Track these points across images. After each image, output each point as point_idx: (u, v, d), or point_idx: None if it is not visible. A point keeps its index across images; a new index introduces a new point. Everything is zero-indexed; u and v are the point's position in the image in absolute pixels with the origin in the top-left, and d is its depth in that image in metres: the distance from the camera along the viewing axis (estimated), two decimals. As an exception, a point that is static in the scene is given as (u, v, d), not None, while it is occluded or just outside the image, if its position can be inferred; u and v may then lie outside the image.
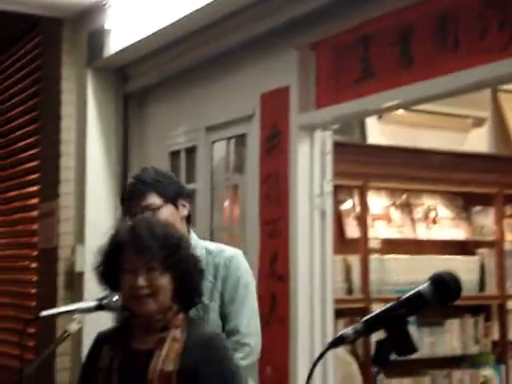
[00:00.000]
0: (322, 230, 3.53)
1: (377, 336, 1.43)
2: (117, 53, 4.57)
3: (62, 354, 4.57)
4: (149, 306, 2.03)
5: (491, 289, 4.81)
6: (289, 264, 3.50)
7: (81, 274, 4.61)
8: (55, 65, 4.94)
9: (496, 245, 4.88)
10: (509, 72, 2.60)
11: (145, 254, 2.05)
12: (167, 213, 2.72)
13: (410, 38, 2.98)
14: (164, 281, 2.04)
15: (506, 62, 2.57)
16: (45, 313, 2.26)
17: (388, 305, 1.38)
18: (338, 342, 1.36)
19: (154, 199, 2.73)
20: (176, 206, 2.75)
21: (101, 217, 4.67)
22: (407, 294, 1.39)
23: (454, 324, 4.85)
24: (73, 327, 2.23)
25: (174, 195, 2.75)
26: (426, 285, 1.38)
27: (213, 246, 2.76)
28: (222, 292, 2.68)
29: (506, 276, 4.81)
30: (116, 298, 2.29)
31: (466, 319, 4.89)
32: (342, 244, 4.81)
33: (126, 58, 4.64)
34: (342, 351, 4.34)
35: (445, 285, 1.37)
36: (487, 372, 4.70)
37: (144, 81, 4.73)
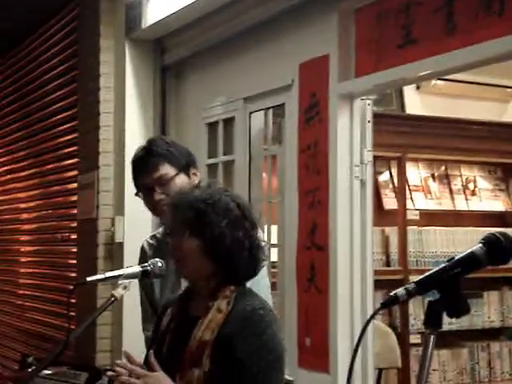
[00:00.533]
0: (361, 199, 3.51)
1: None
2: (154, 24, 4.57)
3: (104, 324, 4.64)
4: None
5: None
6: (328, 234, 3.49)
7: (120, 245, 4.66)
8: (93, 37, 4.96)
9: (536, 217, 4.83)
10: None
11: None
12: (180, 182, 2.71)
13: (454, 3, 2.93)
14: (190, 246, 2.06)
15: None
16: (91, 278, 2.27)
17: (441, 265, 1.37)
18: (390, 301, 1.35)
19: (167, 169, 2.71)
20: (188, 175, 2.75)
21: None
22: (460, 255, 1.38)
23: (492, 296, 4.83)
24: (119, 292, 2.25)
25: (186, 164, 2.74)
26: (479, 245, 1.37)
27: None
28: None
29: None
30: (160, 264, 2.31)
31: (504, 291, 4.86)
32: (380, 216, 4.80)
33: (164, 29, 4.64)
34: (380, 322, 4.34)
35: (498, 245, 1.36)
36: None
37: (181, 52, 4.72)
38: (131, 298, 2.57)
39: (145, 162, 2.71)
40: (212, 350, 2.00)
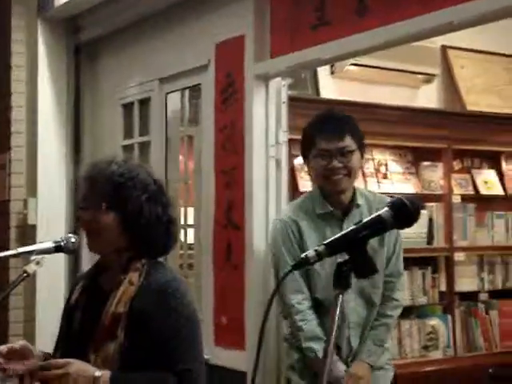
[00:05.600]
0: (277, 179, 3.56)
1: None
2: (67, 2, 4.49)
3: (17, 294, 4.55)
4: None
5: (439, 242, 4.93)
6: (244, 213, 3.53)
7: (33, 227, 4.57)
8: (5, 15, 4.83)
9: (444, 199, 4.99)
10: (462, 18, 2.65)
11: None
12: (356, 159, 2.80)
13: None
14: (107, 219, 2.05)
15: (457, 9, 2.62)
16: (2, 254, 2.24)
17: (349, 228, 1.42)
18: (301, 263, 1.39)
19: (350, 142, 2.80)
20: (362, 155, 2.84)
21: (52, 170, 4.63)
22: (368, 218, 1.43)
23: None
24: (32, 268, 2.22)
25: (363, 142, 2.77)
26: (385, 209, 1.43)
27: (367, 192, 2.90)
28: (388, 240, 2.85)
29: (453, 229, 4.93)
30: (74, 239, 2.29)
31: (414, 271, 5.00)
32: (296, 197, 4.86)
33: (77, 7, 4.56)
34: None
35: (403, 208, 1.42)
36: (434, 322, 4.83)
37: (95, 31, 4.66)
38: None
39: (336, 127, 2.72)
40: (126, 322, 2.00)
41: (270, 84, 3.52)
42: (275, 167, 3.53)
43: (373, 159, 5.23)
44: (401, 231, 2.98)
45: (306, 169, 4.99)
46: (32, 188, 4.64)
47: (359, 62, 4.93)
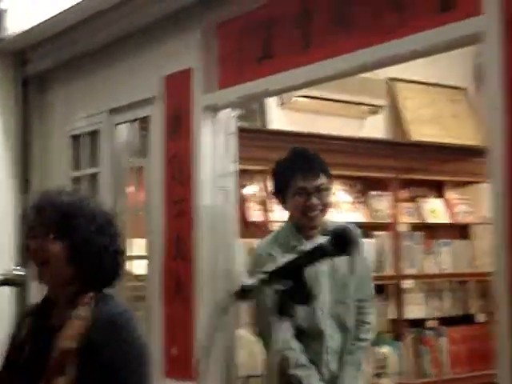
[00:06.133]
0: (225, 210, 3.58)
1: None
2: (15, 36, 4.48)
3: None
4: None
5: (388, 270, 5.00)
6: (192, 245, 3.54)
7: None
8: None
9: (392, 227, 5.07)
10: (405, 51, 2.74)
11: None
12: (329, 195, 2.96)
13: (309, 21, 3.07)
14: (54, 249, 2.04)
15: (398, 42, 2.70)
16: None
17: (290, 256, 1.45)
18: (241, 292, 1.42)
19: (324, 179, 2.95)
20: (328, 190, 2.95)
21: (0, 203, 4.59)
22: (309, 246, 1.47)
23: (353, 304, 5.01)
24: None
25: (331, 178, 2.93)
26: (326, 237, 1.47)
27: (333, 224, 2.89)
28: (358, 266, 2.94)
29: (401, 257, 5.01)
30: (21, 272, 2.27)
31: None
32: (246, 228, 4.90)
33: (25, 41, 4.56)
34: (245, 332, 4.43)
35: (342, 237, 1.46)
36: (385, 349, 4.89)
37: (44, 64, 4.66)
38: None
39: (311, 167, 2.76)
40: (77, 357, 1.98)
41: (219, 115, 3.56)
42: (223, 197, 3.56)
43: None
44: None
45: (255, 199, 5.09)
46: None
47: (307, 94, 5.02)
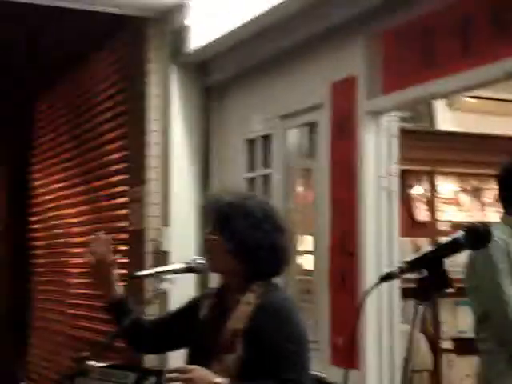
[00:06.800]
0: (388, 209, 3.76)
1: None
2: (198, 49, 4.90)
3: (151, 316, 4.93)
4: None
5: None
6: (357, 241, 3.75)
7: (166, 253, 4.99)
8: (141, 61, 5.31)
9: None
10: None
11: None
12: None
13: (469, 28, 3.19)
14: (218, 243, 2.35)
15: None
16: (140, 273, 2.56)
17: (428, 249, 1.64)
18: (386, 277, 1.63)
19: None
20: None
21: (184, 201, 5.05)
22: (445, 240, 1.65)
23: None
24: (164, 286, 2.51)
25: None
26: (461, 232, 1.64)
27: None
28: None
29: None
30: (201, 260, 2.57)
31: None
32: (413, 227, 5.03)
33: (207, 53, 4.97)
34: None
35: (476, 232, 1.63)
36: None
37: (223, 74, 5.05)
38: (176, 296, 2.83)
39: None
40: (244, 337, 2.27)
41: (382, 120, 3.75)
42: (387, 198, 3.74)
43: (491, 189, 5.30)
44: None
45: (422, 199, 5.19)
46: (165, 218, 5.06)
47: (477, 94, 5.06)
